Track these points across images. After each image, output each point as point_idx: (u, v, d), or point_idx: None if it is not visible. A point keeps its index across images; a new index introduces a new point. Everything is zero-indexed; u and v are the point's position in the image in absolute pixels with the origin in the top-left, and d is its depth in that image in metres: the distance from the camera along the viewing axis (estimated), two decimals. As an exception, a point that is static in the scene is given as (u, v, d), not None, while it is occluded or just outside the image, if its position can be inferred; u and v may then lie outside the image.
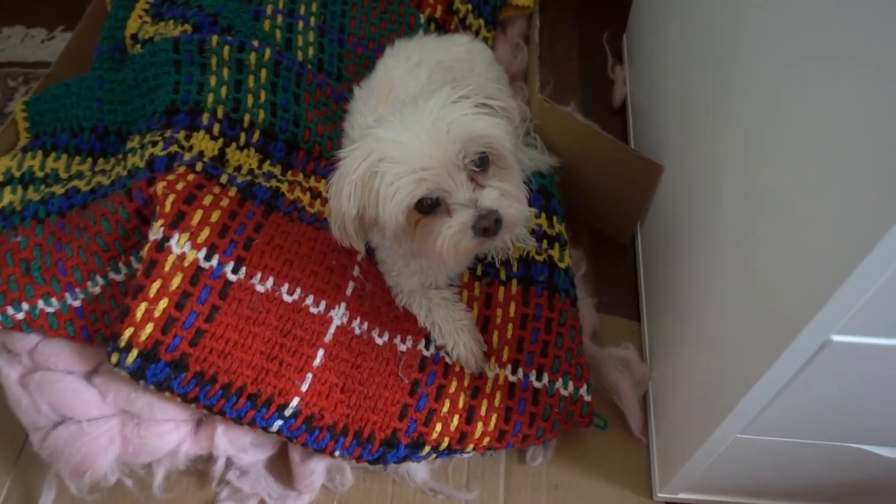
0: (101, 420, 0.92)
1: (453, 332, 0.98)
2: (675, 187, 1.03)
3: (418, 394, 0.96)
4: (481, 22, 1.33)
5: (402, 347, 0.99)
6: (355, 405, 0.93)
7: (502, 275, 1.02)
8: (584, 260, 1.17)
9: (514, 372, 0.98)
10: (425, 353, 0.99)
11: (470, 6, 1.30)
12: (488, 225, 0.77)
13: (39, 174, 1.10)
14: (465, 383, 0.98)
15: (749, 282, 0.72)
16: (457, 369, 0.99)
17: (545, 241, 1.04)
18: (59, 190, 1.04)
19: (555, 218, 1.07)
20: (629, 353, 1.04)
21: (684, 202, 0.98)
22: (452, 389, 0.98)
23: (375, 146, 0.77)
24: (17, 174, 1.09)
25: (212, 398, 0.88)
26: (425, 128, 0.75)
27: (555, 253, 1.04)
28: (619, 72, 1.45)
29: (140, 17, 1.20)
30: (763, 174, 0.71)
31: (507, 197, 0.79)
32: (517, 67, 1.29)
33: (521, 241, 1.02)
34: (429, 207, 0.78)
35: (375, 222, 0.80)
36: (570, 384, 0.96)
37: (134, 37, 1.17)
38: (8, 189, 1.07)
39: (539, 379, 0.97)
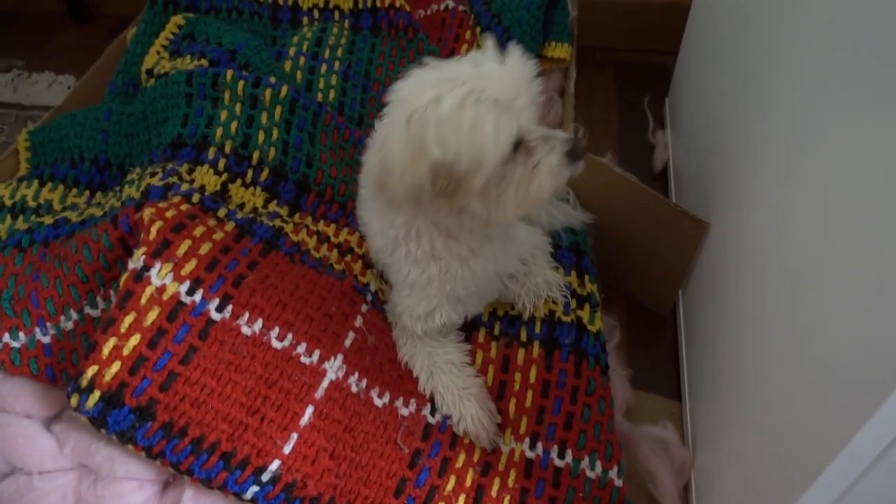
0: (56, 474, 0.80)
1: (458, 401, 0.86)
2: (721, 251, 0.92)
3: (419, 466, 0.83)
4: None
5: (405, 411, 0.87)
6: (345, 475, 0.80)
7: (523, 335, 0.90)
8: (618, 328, 1.05)
9: (532, 447, 0.85)
10: (430, 419, 0.87)
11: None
12: (582, 146, 0.72)
13: (32, 204, 1.03)
14: (475, 458, 0.85)
15: (810, 356, 0.62)
16: (466, 441, 0.86)
17: (574, 301, 0.93)
18: (48, 220, 0.97)
19: (587, 277, 0.96)
20: (668, 433, 0.90)
21: (732, 268, 0.87)
22: (459, 464, 0.84)
23: (461, 75, 0.67)
24: (9, 203, 1.02)
25: (179, 454, 0.76)
26: (515, 65, 0.69)
27: (584, 314, 0.92)
28: (661, 136, 1.37)
29: (158, 52, 1.16)
30: (822, 235, 0.62)
31: None
32: (551, 121, 1.22)
33: (552, 292, 0.91)
34: (514, 147, 0.70)
35: (459, 179, 0.69)
36: (598, 465, 0.82)
37: (149, 71, 1.13)
38: (-4, 217, 1.00)
39: (561, 457, 0.83)
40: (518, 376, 0.88)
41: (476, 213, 0.74)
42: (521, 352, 0.89)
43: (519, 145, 0.70)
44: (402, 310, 0.88)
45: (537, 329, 0.90)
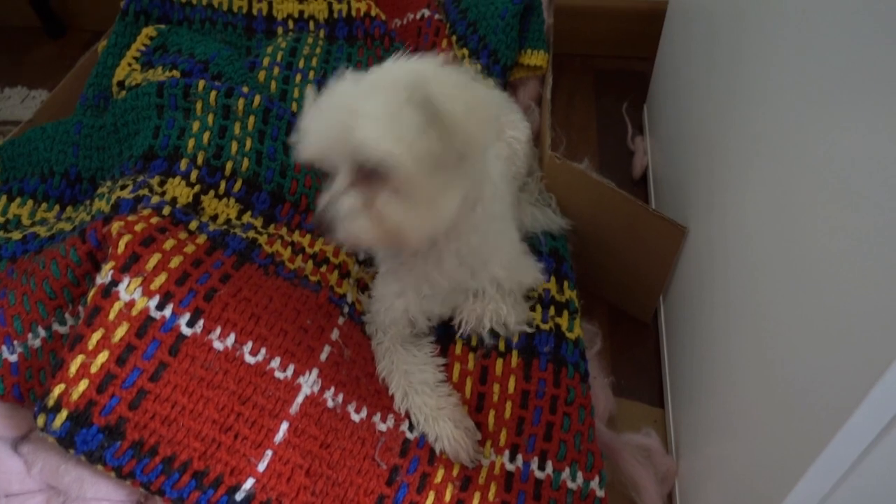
0: (23, 497, 0.78)
1: (432, 422, 0.84)
2: (699, 257, 0.91)
3: (397, 483, 0.81)
4: (491, 83, 1.25)
5: (382, 427, 0.85)
6: (321, 493, 0.78)
7: (501, 345, 0.89)
8: (600, 336, 1.03)
9: (512, 459, 0.83)
10: (409, 435, 0.85)
11: (479, 66, 1.23)
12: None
13: (0, 220, 1.00)
14: (454, 472, 0.83)
15: (782, 362, 0.61)
16: (445, 456, 0.84)
17: (552, 308, 0.91)
18: (16, 235, 0.94)
19: (566, 283, 0.95)
20: (651, 440, 0.88)
21: (708, 274, 0.86)
22: (438, 479, 0.83)
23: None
24: (-24, 219, 1.00)
25: (150, 473, 0.74)
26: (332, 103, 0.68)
27: (563, 321, 0.90)
28: (640, 142, 1.37)
29: (129, 64, 1.14)
30: (794, 239, 0.61)
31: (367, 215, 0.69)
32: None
33: (496, 326, 0.88)
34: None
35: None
36: (580, 475, 0.81)
37: (121, 83, 1.11)
38: (-37, 234, 0.98)
39: (542, 468, 0.82)
40: (497, 387, 0.86)
41: None
42: (500, 362, 0.88)
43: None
44: (377, 297, 0.87)
45: (515, 338, 0.89)
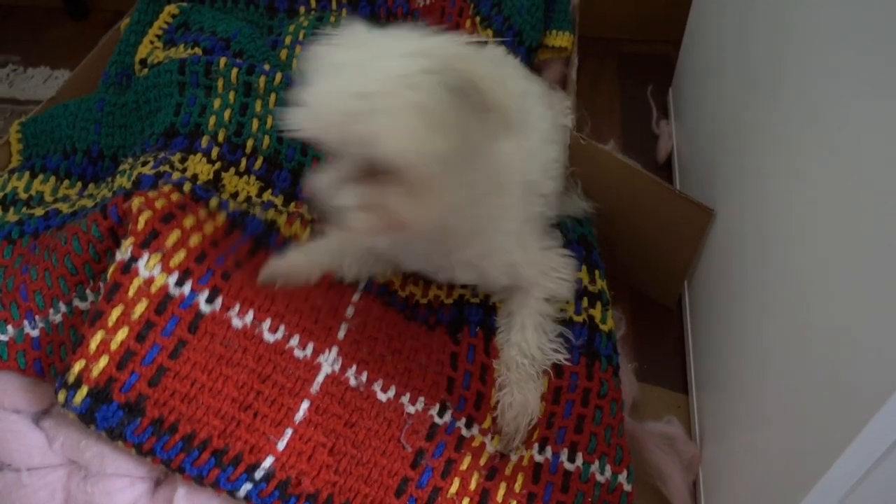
0: (44, 470, 0.78)
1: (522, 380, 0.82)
2: (728, 241, 0.89)
3: (422, 466, 0.80)
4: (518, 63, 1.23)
5: (411, 409, 0.83)
6: (345, 472, 0.77)
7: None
8: (624, 321, 1.02)
9: (541, 451, 0.81)
10: (437, 419, 0.83)
11: (504, 48, 1.21)
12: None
13: (23, 196, 1.01)
14: (482, 461, 0.81)
15: (817, 349, 0.59)
16: (474, 444, 0.82)
17: (585, 300, 0.90)
18: (38, 212, 0.94)
19: (597, 272, 0.93)
20: (674, 428, 0.87)
21: (739, 258, 0.85)
22: (464, 466, 0.81)
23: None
24: (-1, 195, 1.00)
25: (170, 451, 0.74)
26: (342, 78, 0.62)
27: (596, 313, 0.89)
28: (664, 126, 1.35)
29: (151, 42, 1.14)
30: (833, 226, 0.59)
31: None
32: (552, 110, 1.19)
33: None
34: None
35: None
36: (608, 468, 0.80)
37: (143, 61, 1.11)
38: (-14, 210, 0.98)
39: (571, 460, 0.80)
40: None
41: None
42: None
43: None
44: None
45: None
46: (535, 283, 0.86)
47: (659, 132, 1.35)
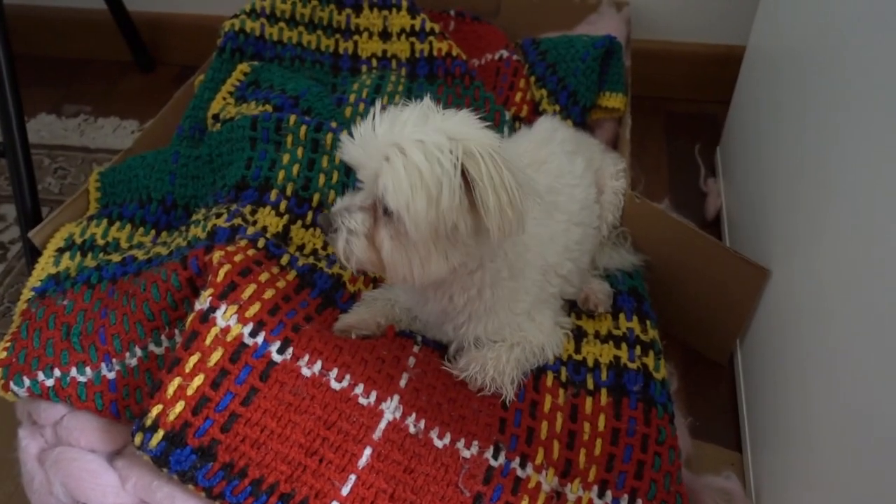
0: (117, 510, 0.81)
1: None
2: (782, 300, 0.90)
3: None
4: (569, 123, 1.27)
5: (466, 454, 0.85)
6: (405, 518, 0.79)
7: (590, 383, 0.90)
8: (675, 376, 1.03)
9: (601, 495, 0.83)
10: (493, 462, 0.85)
11: (558, 107, 1.25)
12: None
13: (101, 242, 1.06)
14: (539, 502, 0.83)
15: (880, 413, 0.60)
16: (530, 485, 0.84)
17: (638, 348, 0.92)
18: (115, 258, 1.00)
19: (648, 322, 0.95)
20: (732, 484, 0.87)
21: (795, 318, 0.85)
22: None
23: None
24: (79, 241, 1.05)
25: (239, 495, 0.76)
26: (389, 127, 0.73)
27: (649, 361, 0.91)
28: (713, 184, 1.37)
29: (224, 98, 1.20)
30: (889, 286, 0.60)
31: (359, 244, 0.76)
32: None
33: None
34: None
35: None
36: (667, 516, 0.80)
37: (216, 116, 1.17)
38: (67, 255, 1.03)
39: None
40: (587, 426, 0.86)
41: None
42: (589, 400, 0.88)
43: None
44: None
45: (604, 376, 0.89)
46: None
47: (707, 190, 1.37)
